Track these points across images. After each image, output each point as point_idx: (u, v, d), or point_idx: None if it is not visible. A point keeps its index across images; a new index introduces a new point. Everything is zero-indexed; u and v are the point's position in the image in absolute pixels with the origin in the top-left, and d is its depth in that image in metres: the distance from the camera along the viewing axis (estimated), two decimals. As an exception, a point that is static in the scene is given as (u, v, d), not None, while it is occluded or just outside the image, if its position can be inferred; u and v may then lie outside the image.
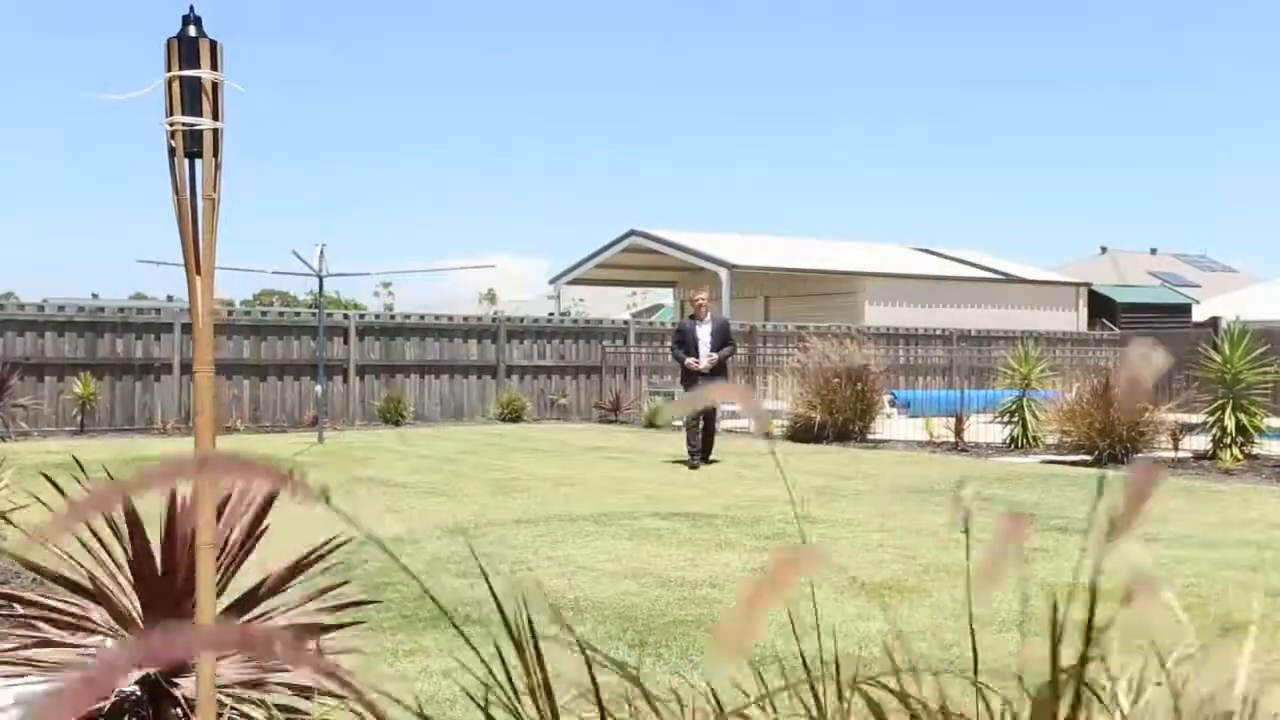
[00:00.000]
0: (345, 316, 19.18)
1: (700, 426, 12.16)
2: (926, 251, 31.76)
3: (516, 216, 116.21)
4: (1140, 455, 12.57)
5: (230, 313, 18.81)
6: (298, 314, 18.94)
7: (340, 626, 2.84)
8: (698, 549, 6.90)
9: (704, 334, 12.19)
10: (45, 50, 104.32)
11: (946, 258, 30.92)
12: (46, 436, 15.38)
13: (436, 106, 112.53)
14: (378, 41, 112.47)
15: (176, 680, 2.58)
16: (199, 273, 1.91)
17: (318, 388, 15.77)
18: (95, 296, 47.13)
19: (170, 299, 51.10)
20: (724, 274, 25.54)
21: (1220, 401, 12.79)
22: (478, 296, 53.14)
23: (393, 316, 20.07)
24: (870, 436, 15.49)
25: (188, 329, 17.43)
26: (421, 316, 20.03)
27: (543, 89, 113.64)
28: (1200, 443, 12.90)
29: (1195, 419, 13.14)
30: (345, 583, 2.83)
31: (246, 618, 2.66)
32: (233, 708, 2.21)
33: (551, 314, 27.10)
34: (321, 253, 14.44)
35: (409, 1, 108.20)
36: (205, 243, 1.91)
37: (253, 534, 2.62)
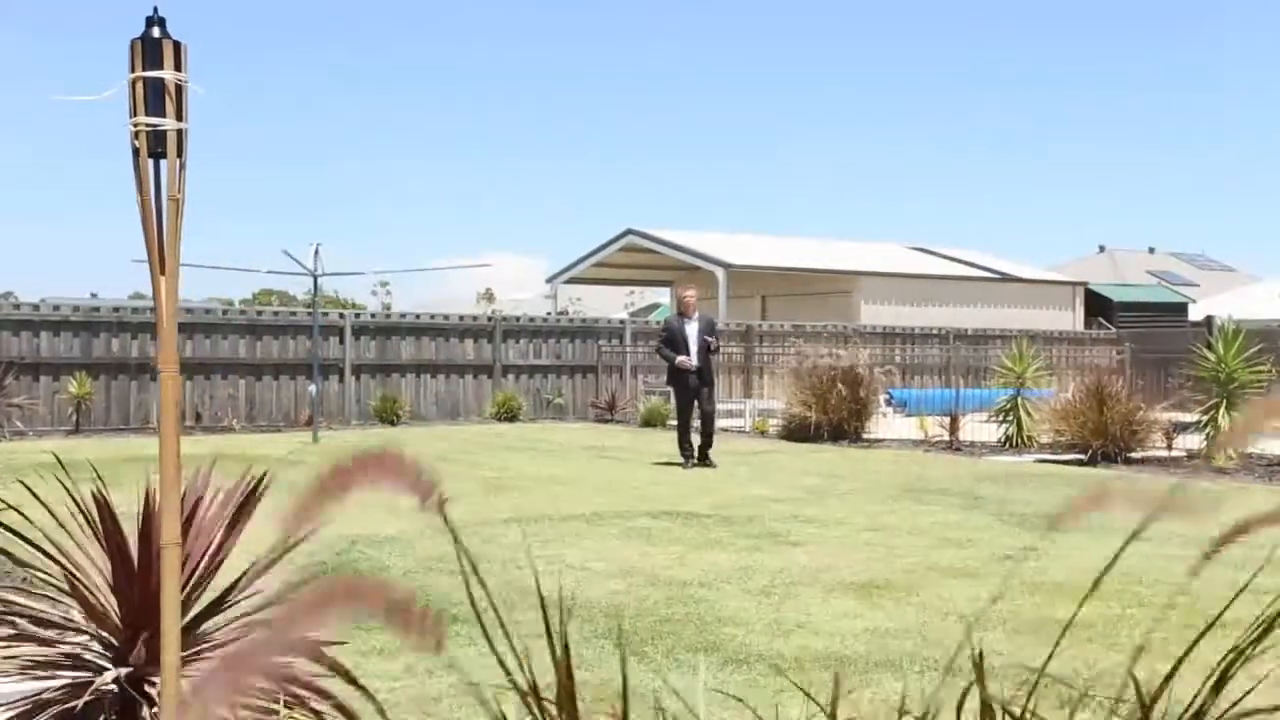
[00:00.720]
0: (341, 316, 19.18)
1: (697, 426, 12.11)
2: (923, 250, 31.78)
3: (518, 216, 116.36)
4: (1134, 454, 12.59)
5: (225, 312, 18.81)
6: (293, 313, 18.94)
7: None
8: (687, 548, 6.91)
9: (693, 331, 12.05)
10: (46, 49, 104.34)
11: (943, 257, 30.94)
12: (42, 436, 15.38)
13: (439, 106, 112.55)
14: (382, 43, 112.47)
15: (154, 679, 2.59)
16: (163, 273, 1.91)
17: (312, 387, 15.78)
18: (94, 295, 47.14)
19: (168, 298, 50.96)
20: (720, 273, 25.55)
21: (1214, 401, 12.81)
22: (476, 296, 53.17)
23: (389, 316, 20.09)
24: (865, 436, 15.48)
25: (183, 329, 17.46)
26: (417, 316, 20.03)
27: (545, 89, 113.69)
28: (1194, 442, 12.91)
29: (1189, 418, 13.16)
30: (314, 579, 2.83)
31: (222, 614, 2.67)
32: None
33: (549, 314, 27.09)
34: (316, 252, 14.45)
35: (417, 3, 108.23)
36: (169, 243, 1.91)
37: (232, 532, 2.62)
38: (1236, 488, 10.25)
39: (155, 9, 1.88)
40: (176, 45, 1.89)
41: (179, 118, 1.89)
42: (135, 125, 1.88)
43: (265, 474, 2.76)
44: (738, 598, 5.52)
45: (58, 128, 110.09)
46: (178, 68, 1.88)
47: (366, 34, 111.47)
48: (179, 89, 1.88)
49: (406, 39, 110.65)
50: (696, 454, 11.97)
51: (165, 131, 1.88)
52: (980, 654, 1.76)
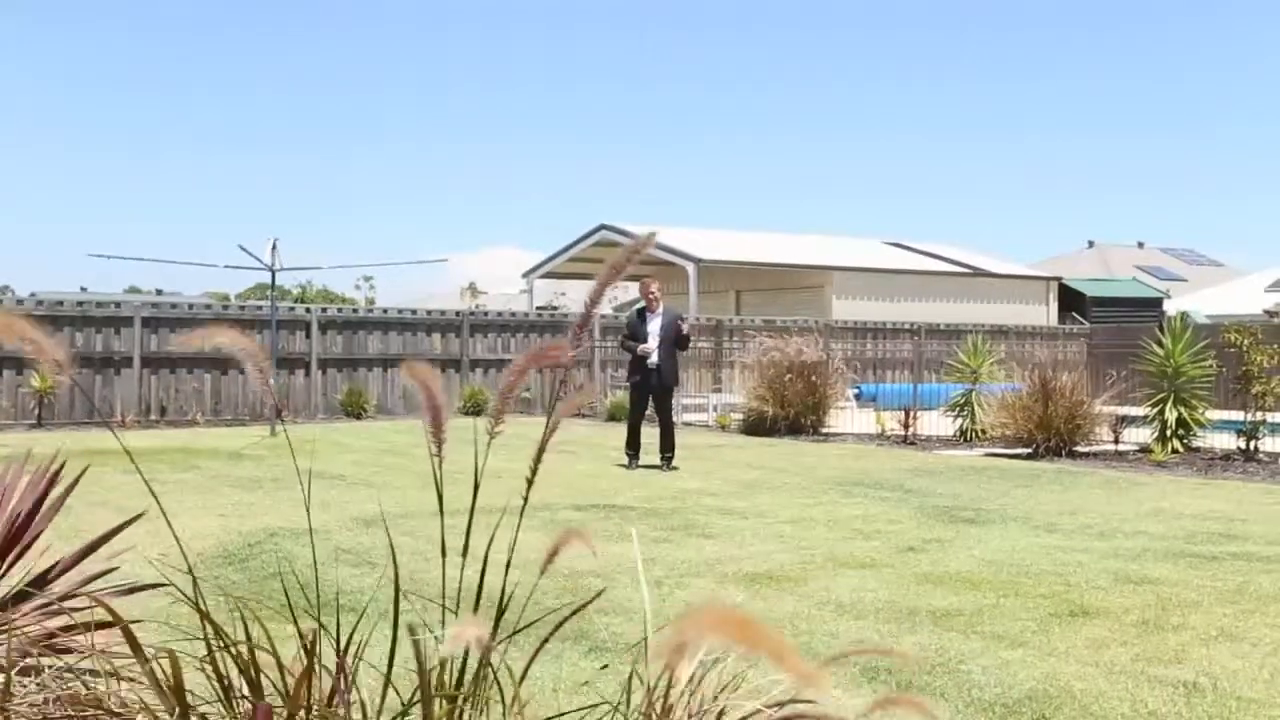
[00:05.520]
0: (307, 310, 19.22)
1: (656, 423, 11.39)
2: (898, 245, 31.85)
3: (521, 213, 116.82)
4: (1080, 448, 12.69)
5: (191, 306, 18.86)
6: (259, 307, 18.97)
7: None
8: (600, 540, 6.99)
9: (654, 328, 11.21)
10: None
11: (919, 252, 31.02)
12: (3, 430, 15.43)
13: (439, 104, 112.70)
14: (385, 43, 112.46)
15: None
16: None
17: (270, 380, 15.83)
18: (84, 290, 47.19)
19: (159, 292, 51.06)
20: (690, 268, 25.62)
21: (1162, 395, 12.90)
22: (459, 290, 53.24)
23: (355, 310, 20.20)
24: (823, 430, 15.56)
25: (148, 323, 17.53)
26: (385, 310, 20.09)
27: (548, 87, 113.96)
28: (1143, 435, 13.02)
29: (1140, 411, 13.25)
30: (114, 569, 2.90)
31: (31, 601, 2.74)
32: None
33: (516, 310, 27.13)
34: (274, 247, 14.49)
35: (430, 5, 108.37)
36: None
37: (28, 524, 2.70)
38: (1169, 480, 10.34)
39: None
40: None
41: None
42: None
43: (64, 463, 2.83)
44: (629, 588, 5.60)
45: (59, 125, 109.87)
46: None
47: (376, 37, 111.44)
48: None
49: (417, 41, 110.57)
50: (661, 462, 11.19)
51: None
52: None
